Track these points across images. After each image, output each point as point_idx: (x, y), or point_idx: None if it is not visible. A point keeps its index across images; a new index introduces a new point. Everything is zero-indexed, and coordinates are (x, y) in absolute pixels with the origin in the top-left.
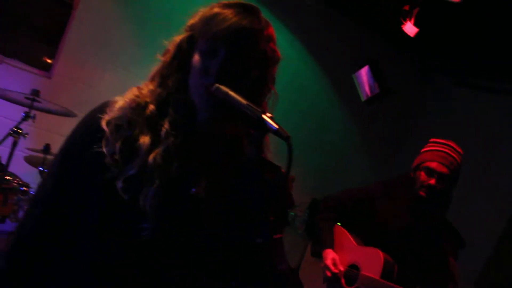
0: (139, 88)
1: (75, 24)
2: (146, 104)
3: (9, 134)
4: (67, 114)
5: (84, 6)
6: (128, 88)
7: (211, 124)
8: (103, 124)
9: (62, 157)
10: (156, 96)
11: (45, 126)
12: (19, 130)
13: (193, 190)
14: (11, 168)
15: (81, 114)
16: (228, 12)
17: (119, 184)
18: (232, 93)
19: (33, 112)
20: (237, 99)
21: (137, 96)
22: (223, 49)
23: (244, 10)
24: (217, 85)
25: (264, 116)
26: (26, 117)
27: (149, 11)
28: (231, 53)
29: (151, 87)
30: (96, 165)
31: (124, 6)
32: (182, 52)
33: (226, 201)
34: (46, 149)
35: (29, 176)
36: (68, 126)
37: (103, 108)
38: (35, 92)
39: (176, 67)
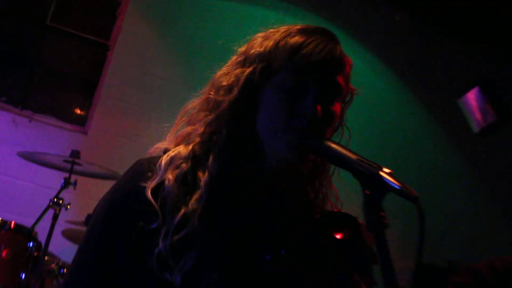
0: (182, 136)
1: (112, 68)
2: (204, 155)
3: (49, 207)
4: (112, 176)
5: (122, 46)
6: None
7: (280, 172)
8: (149, 195)
9: (99, 240)
10: (214, 143)
11: (86, 192)
12: (59, 201)
13: (268, 257)
14: (50, 246)
15: None
16: (315, 41)
17: (178, 275)
18: (339, 148)
19: (73, 177)
20: (345, 154)
21: (188, 147)
22: (314, 84)
23: (329, 37)
24: (326, 142)
25: (382, 173)
26: (66, 183)
27: (198, 44)
28: (322, 89)
29: (200, 130)
30: (145, 244)
31: (167, 41)
32: (253, 86)
33: (305, 266)
34: (89, 221)
35: (69, 254)
36: None
37: (143, 171)
38: (75, 154)
39: (243, 105)
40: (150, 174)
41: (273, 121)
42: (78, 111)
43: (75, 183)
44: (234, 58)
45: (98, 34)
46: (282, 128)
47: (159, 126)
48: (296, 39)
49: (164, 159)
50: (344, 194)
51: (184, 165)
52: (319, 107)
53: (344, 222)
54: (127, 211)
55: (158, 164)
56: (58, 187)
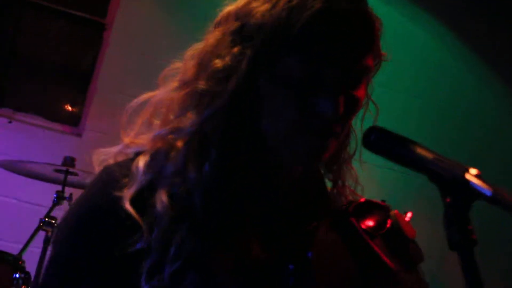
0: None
1: (110, 54)
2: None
3: (39, 228)
4: None
5: (122, 25)
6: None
7: (295, 175)
8: (127, 206)
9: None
10: (208, 148)
11: None
12: (52, 220)
13: (291, 267)
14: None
15: None
16: (335, 10)
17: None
18: (418, 149)
19: (68, 190)
20: (418, 153)
21: (172, 152)
22: (332, 74)
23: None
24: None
25: (468, 176)
26: (60, 198)
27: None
28: (343, 77)
29: (188, 129)
30: (128, 269)
31: (179, 17)
32: (256, 72)
33: (339, 270)
34: None
35: None
36: None
37: (116, 179)
38: (69, 161)
39: (246, 98)
40: (125, 180)
41: (282, 121)
42: (69, 108)
43: (70, 198)
44: (223, 23)
45: (91, 11)
46: (295, 129)
47: None
48: (314, 4)
49: (142, 160)
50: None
51: (176, 179)
52: (341, 100)
53: (375, 212)
54: (99, 231)
55: (134, 167)
56: (50, 204)
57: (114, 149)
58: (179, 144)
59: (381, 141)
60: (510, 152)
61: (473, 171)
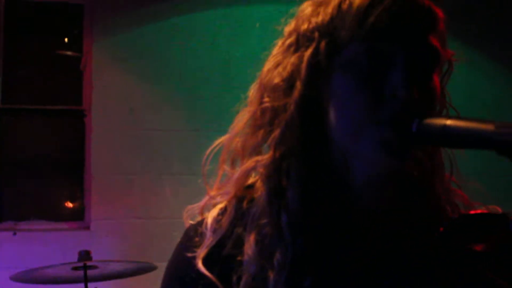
0: (238, 182)
1: (96, 137)
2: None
3: None
4: (143, 268)
5: (100, 106)
6: (200, 198)
7: (378, 187)
8: (200, 266)
9: None
10: (272, 171)
11: None
12: None
13: None
14: None
15: (161, 264)
16: None
17: None
18: (466, 123)
19: (91, 286)
20: (479, 128)
21: (238, 191)
22: (400, 52)
23: None
24: (449, 121)
25: None
26: None
27: (192, 76)
28: (411, 57)
29: (266, 158)
30: None
31: (154, 82)
32: (320, 73)
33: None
34: None
35: None
36: None
37: (190, 238)
38: (84, 255)
39: (312, 103)
40: (197, 239)
41: (352, 116)
42: (70, 204)
43: None
44: (280, 42)
45: (66, 102)
46: (366, 122)
47: (176, 189)
48: None
49: (211, 214)
50: None
51: (263, 220)
52: (412, 80)
53: (486, 225)
54: None
55: (204, 224)
56: None
57: (201, 203)
58: (258, 184)
59: (426, 130)
60: None
61: None
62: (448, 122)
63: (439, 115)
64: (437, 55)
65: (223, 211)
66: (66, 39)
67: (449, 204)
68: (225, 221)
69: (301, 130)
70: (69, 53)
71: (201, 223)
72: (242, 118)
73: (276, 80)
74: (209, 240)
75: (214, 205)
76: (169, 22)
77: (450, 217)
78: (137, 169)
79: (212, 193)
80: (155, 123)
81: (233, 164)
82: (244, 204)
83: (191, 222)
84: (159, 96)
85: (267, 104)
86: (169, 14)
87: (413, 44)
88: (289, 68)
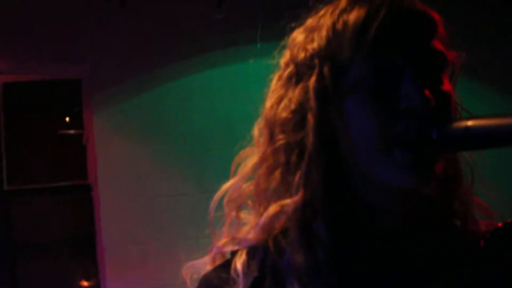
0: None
1: (105, 210)
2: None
3: None
4: None
5: (107, 178)
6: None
7: (401, 210)
8: None
9: None
10: (303, 213)
11: None
12: None
13: None
14: None
15: None
16: (384, 4)
17: None
18: (489, 121)
19: None
20: (503, 124)
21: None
22: (406, 63)
23: None
24: (470, 121)
25: None
26: None
27: (199, 138)
28: (420, 65)
29: (293, 203)
30: None
31: (159, 149)
32: (328, 99)
33: None
34: None
35: None
36: None
37: (215, 286)
38: None
39: (327, 131)
40: (226, 287)
41: (366, 138)
42: (85, 283)
43: None
44: (277, 76)
45: (72, 178)
46: (380, 143)
47: (191, 253)
48: (356, 11)
49: (239, 260)
50: None
51: (300, 260)
52: (426, 90)
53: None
54: None
55: (233, 271)
56: None
57: (208, 257)
58: (285, 227)
59: (448, 135)
60: None
61: None
62: (470, 123)
63: (456, 119)
64: (443, 59)
65: (250, 256)
66: (67, 118)
67: (469, 218)
68: (255, 265)
69: (326, 162)
70: (71, 131)
71: (222, 269)
72: (250, 160)
73: (284, 114)
74: (241, 284)
75: (223, 255)
76: (167, 87)
77: (474, 229)
78: (150, 237)
79: (220, 243)
80: (163, 188)
81: (239, 209)
82: (271, 247)
83: (195, 276)
84: (164, 161)
85: (281, 142)
86: (167, 79)
87: (418, 52)
88: (295, 100)
